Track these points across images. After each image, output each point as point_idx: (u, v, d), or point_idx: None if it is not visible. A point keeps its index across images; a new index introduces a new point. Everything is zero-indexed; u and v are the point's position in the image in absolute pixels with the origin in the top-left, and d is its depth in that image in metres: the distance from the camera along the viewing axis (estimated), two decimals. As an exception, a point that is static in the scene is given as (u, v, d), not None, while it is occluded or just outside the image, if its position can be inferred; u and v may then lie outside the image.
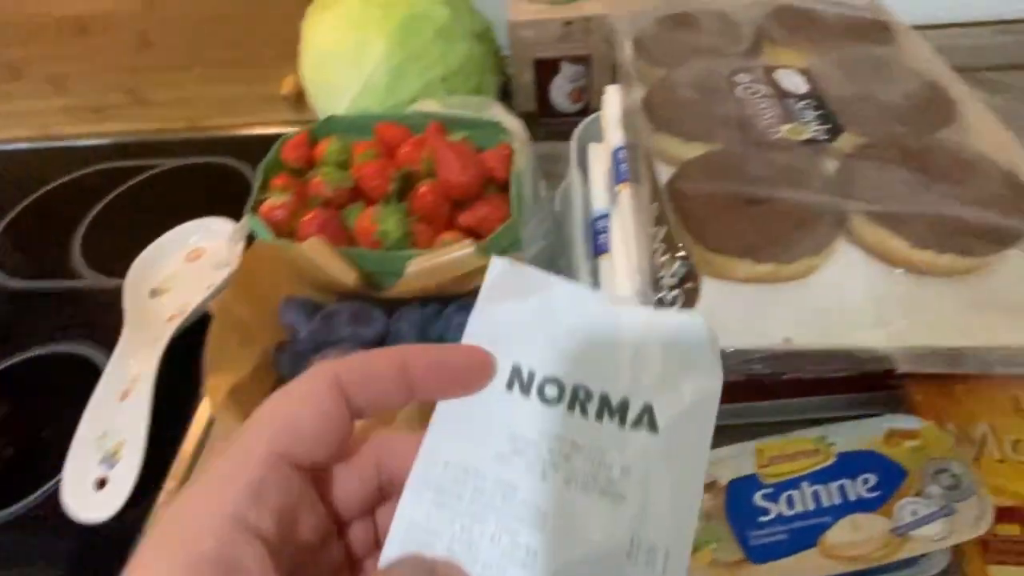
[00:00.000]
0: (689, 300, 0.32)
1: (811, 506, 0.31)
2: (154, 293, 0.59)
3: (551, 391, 0.19)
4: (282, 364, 0.42)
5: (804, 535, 0.30)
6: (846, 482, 0.31)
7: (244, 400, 0.35)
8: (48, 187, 0.72)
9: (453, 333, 0.41)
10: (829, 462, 0.32)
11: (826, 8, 0.48)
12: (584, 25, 0.60)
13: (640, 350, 0.19)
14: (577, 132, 0.58)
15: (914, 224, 0.33)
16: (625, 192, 0.43)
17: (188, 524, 0.16)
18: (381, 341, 0.42)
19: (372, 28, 0.55)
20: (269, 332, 0.42)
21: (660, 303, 0.34)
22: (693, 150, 0.40)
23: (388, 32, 0.54)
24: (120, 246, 0.60)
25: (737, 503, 0.31)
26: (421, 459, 0.18)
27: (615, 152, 0.47)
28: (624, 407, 0.18)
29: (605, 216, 0.49)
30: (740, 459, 0.33)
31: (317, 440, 0.17)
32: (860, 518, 0.30)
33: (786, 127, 0.39)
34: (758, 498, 0.32)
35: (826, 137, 0.38)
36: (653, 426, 0.18)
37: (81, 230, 0.67)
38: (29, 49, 0.73)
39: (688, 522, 0.17)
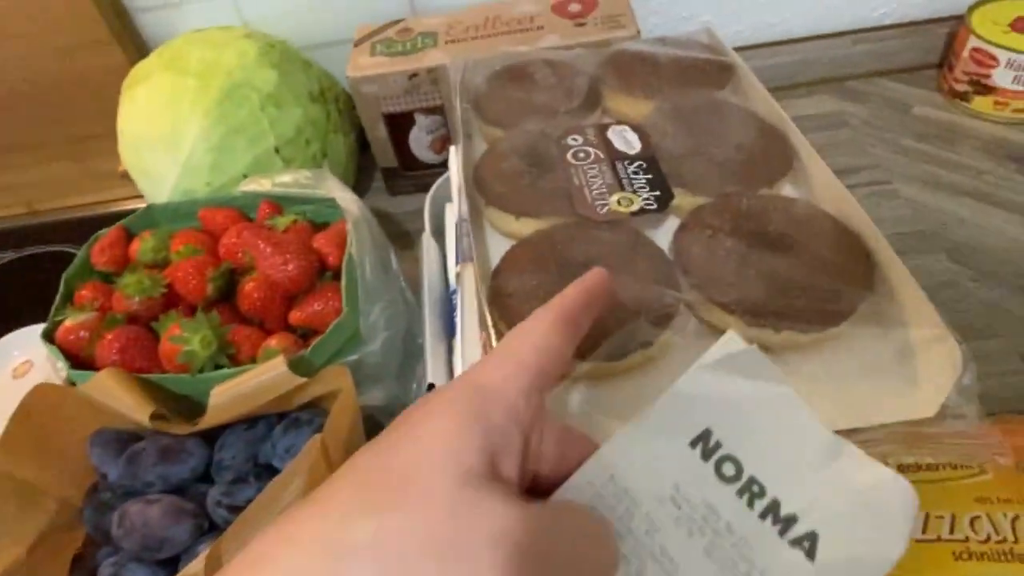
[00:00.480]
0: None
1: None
2: (-29, 422, 0.52)
3: (729, 469, 0.19)
4: (86, 518, 0.36)
5: None
6: None
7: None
8: None
9: (279, 459, 0.36)
10: None
11: (663, 51, 0.45)
12: (430, 76, 0.57)
13: (832, 480, 0.19)
14: (431, 192, 0.54)
15: (746, 302, 0.31)
16: (467, 272, 0.40)
17: (487, 394, 0.19)
18: (200, 478, 0.37)
19: (186, 104, 0.49)
20: (70, 480, 0.37)
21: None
22: (525, 226, 0.37)
23: (205, 107, 0.49)
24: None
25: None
26: (591, 462, 0.20)
27: (458, 225, 0.43)
28: (790, 521, 0.19)
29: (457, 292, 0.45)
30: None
31: (556, 365, 0.21)
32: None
33: (615, 197, 0.36)
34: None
35: (655, 207, 0.35)
36: (811, 554, 0.18)
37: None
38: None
39: None
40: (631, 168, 0.37)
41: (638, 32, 0.55)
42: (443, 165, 0.64)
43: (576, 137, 0.40)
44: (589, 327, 0.23)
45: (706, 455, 0.20)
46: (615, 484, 0.19)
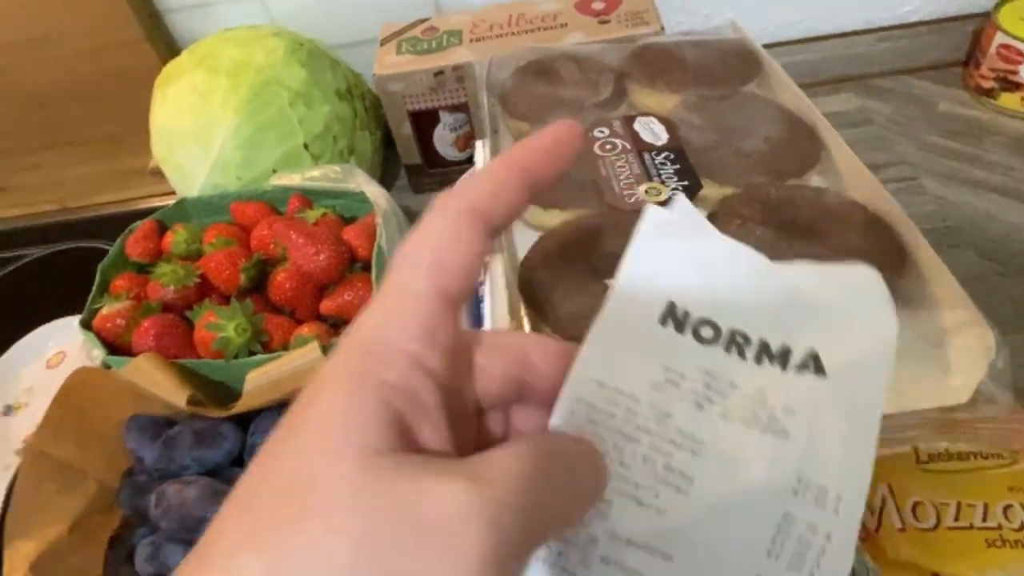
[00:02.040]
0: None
1: None
2: (8, 410, 0.53)
3: (706, 332, 0.18)
4: (123, 499, 0.37)
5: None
6: None
7: (57, 569, 0.30)
8: None
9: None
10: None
11: (689, 46, 0.46)
12: (456, 73, 0.57)
13: (802, 299, 0.19)
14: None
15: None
16: (494, 264, 0.40)
17: (374, 352, 0.15)
18: (234, 461, 0.38)
19: (218, 101, 0.50)
20: (107, 463, 0.37)
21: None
22: (553, 218, 0.37)
23: (236, 104, 0.50)
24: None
25: None
26: (573, 378, 0.18)
27: (483, 217, 0.44)
28: (785, 353, 0.18)
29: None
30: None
31: (467, 274, 0.16)
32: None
33: (643, 187, 0.36)
34: None
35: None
36: (820, 371, 0.18)
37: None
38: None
39: (864, 469, 0.17)
40: (658, 159, 0.38)
41: (662, 29, 0.55)
42: (467, 162, 0.64)
43: (603, 129, 0.40)
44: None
45: (680, 327, 0.19)
46: (606, 389, 0.18)
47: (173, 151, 0.52)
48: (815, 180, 0.38)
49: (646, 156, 0.38)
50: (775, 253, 0.32)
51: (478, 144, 0.49)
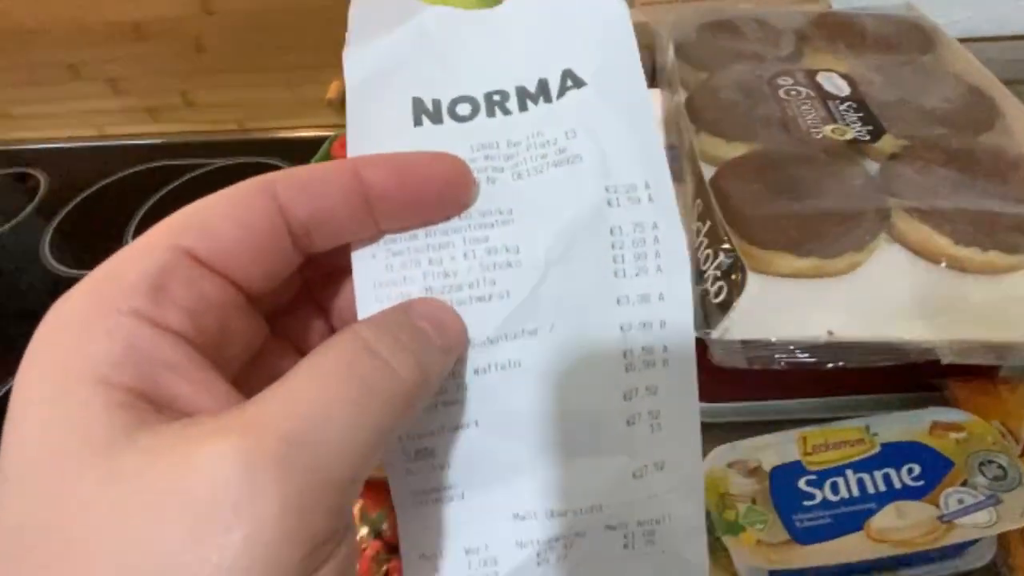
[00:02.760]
0: (734, 290, 0.33)
1: (856, 493, 0.31)
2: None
3: (464, 109, 0.18)
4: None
5: (849, 519, 0.30)
6: (890, 471, 0.32)
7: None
8: (102, 183, 0.76)
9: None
10: (873, 451, 0.33)
11: (868, 17, 0.49)
12: (624, 33, 0.62)
13: (533, 30, 0.18)
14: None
15: (957, 221, 0.34)
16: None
17: (76, 334, 0.12)
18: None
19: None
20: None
21: (704, 294, 0.35)
22: (734, 150, 0.41)
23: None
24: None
25: (781, 488, 0.32)
26: (357, 242, 0.16)
27: (657, 153, 0.48)
28: (543, 86, 0.18)
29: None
30: (783, 446, 0.34)
31: (238, 246, 0.14)
32: (905, 505, 0.30)
33: (828, 127, 0.40)
34: (802, 484, 0.32)
35: (868, 138, 0.39)
36: (579, 83, 0.17)
37: (133, 225, 0.69)
38: (88, 52, 0.77)
39: (652, 149, 0.17)
40: (842, 107, 0.41)
41: (829, 6, 0.58)
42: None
43: (786, 78, 0.44)
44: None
45: (435, 118, 0.17)
46: (394, 245, 0.16)
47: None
48: (993, 141, 0.40)
49: (829, 103, 0.42)
50: (958, 193, 0.35)
51: (649, 92, 0.53)
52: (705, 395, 0.46)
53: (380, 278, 0.16)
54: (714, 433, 0.36)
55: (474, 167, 0.17)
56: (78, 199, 0.74)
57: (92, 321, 0.12)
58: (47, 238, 0.69)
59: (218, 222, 0.14)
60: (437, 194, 0.16)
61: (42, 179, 0.78)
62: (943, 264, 0.35)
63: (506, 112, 0.18)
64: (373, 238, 0.16)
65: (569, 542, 0.17)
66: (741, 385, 0.42)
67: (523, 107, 0.18)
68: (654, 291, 0.17)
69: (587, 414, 0.17)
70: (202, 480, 0.11)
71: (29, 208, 0.74)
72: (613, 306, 0.16)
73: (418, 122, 0.17)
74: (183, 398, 0.12)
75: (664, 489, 0.17)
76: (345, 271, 0.16)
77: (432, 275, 0.16)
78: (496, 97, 0.18)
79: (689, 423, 0.17)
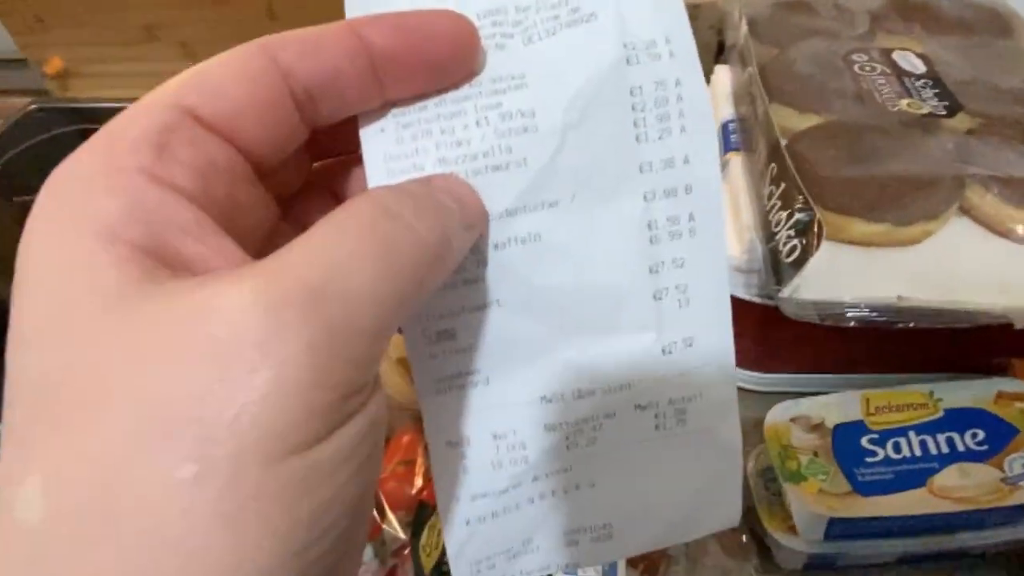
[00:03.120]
0: (809, 246, 0.33)
1: (918, 453, 0.32)
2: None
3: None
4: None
5: (912, 476, 0.31)
6: (954, 435, 0.32)
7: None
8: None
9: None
10: (936, 415, 0.33)
11: (945, 1, 0.49)
12: (691, 12, 0.62)
13: None
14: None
15: (1036, 195, 0.34)
16: (735, 159, 0.45)
17: (81, 191, 0.12)
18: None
19: None
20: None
21: (775, 253, 0.35)
22: (806, 121, 0.42)
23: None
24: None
25: (843, 444, 0.33)
26: (364, 116, 0.15)
27: (723, 125, 0.49)
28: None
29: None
30: (846, 406, 0.34)
31: (242, 107, 0.13)
32: (969, 466, 0.31)
33: (904, 102, 0.40)
34: (864, 441, 0.33)
35: (944, 113, 0.39)
36: None
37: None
38: (165, 14, 0.80)
39: (674, 5, 0.16)
40: (917, 83, 0.41)
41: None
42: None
43: (861, 55, 0.44)
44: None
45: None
46: (404, 117, 0.15)
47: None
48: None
49: (905, 80, 0.42)
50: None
51: (718, 69, 0.54)
52: (769, 365, 0.47)
53: (391, 151, 0.15)
54: (776, 400, 0.37)
55: (482, 34, 0.16)
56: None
57: (96, 179, 0.12)
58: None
59: (220, 82, 0.13)
60: (444, 53, 0.15)
61: (113, 135, 0.81)
62: (1017, 236, 0.35)
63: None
64: (380, 111, 0.15)
65: (598, 424, 0.17)
66: (805, 357, 0.43)
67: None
68: (678, 154, 0.16)
69: (612, 289, 0.16)
70: (223, 322, 0.10)
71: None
72: (636, 174, 0.16)
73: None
74: (196, 260, 0.12)
75: (695, 365, 0.17)
76: (357, 159, 0.16)
77: (445, 145, 0.15)
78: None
79: (718, 296, 0.17)
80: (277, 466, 0.10)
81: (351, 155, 0.17)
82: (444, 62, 0.15)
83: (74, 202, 0.12)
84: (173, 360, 0.10)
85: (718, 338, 0.17)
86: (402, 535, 0.32)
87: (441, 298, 0.16)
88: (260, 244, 0.15)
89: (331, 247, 0.12)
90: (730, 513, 0.19)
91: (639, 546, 0.19)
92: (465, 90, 0.15)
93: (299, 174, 0.17)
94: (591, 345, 0.16)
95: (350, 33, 0.14)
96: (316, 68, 0.14)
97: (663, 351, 0.17)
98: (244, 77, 0.13)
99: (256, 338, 0.10)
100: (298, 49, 0.14)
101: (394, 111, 0.15)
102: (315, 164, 0.18)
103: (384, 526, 0.32)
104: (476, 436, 0.17)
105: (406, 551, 0.32)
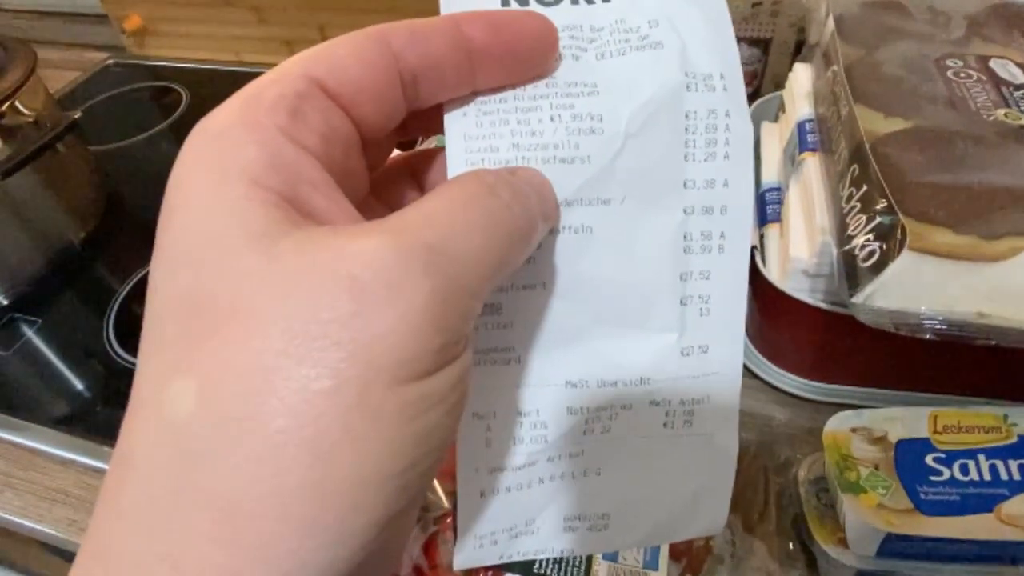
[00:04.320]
0: (889, 253, 0.32)
1: (988, 477, 0.30)
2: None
3: None
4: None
5: (979, 500, 0.29)
6: (1028, 463, 0.31)
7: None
8: (237, 105, 0.80)
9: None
10: (1010, 441, 0.32)
11: (1049, 9, 0.46)
12: (772, 8, 0.61)
13: None
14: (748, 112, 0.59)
15: None
16: (811, 160, 0.44)
17: (227, 142, 0.13)
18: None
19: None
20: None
21: (850, 257, 0.34)
22: (893, 125, 0.40)
23: None
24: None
25: (906, 460, 0.31)
26: (450, 102, 0.17)
27: (799, 124, 0.47)
28: None
29: (776, 188, 0.49)
30: (912, 422, 0.33)
31: (361, 84, 0.15)
32: (1042, 496, 0.29)
33: (1001, 111, 0.38)
34: (929, 459, 0.31)
35: (1046, 125, 0.37)
36: None
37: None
38: (243, -21, 0.81)
39: (730, 48, 0.17)
40: (1016, 93, 0.39)
41: (1000, 2, 0.55)
42: (748, 97, 0.67)
43: (956, 60, 0.42)
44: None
45: (523, 0, 0.18)
46: (484, 91, 0.17)
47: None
48: None
49: (1003, 89, 0.40)
50: None
51: (798, 67, 0.52)
52: (826, 374, 0.46)
53: (470, 132, 0.17)
54: (831, 411, 0.36)
55: (560, 44, 0.17)
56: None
57: (240, 132, 0.13)
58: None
59: (343, 59, 0.15)
60: (529, 49, 0.16)
61: (184, 95, 0.84)
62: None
63: (590, 1, 0.18)
64: (466, 100, 0.17)
65: (615, 413, 0.18)
66: (867, 369, 0.41)
67: None
68: (720, 177, 0.17)
69: (645, 288, 0.17)
70: (360, 262, 0.12)
71: (164, 124, 0.79)
72: (680, 188, 0.17)
73: (505, 3, 0.18)
74: (321, 212, 0.13)
75: (707, 371, 0.18)
76: (436, 150, 0.18)
77: (520, 133, 0.16)
78: None
79: (735, 311, 0.18)
80: (397, 388, 0.12)
81: (432, 148, 0.19)
82: (530, 56, 0.17)
83: (221, 150, 0.13)
84: (317, 291, 0.12)
85: (730, 350, 0.18)
86: (445, 503, 0.32)
87: None
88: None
89: (446, 214, 0.13)
90: (716, 520, 0.20)
91: (628, 542, 0.20)
92: (543, 89, 0.17)
93: (387, 153, 0.19)
94: (620, 338, 0.18)
95: (453, 26, 0.15)
96: (423, 54, 0.15)
97: (682, 353, 0.18)
98: (363, 57, 0.15)
99: (389, 279, 0.12)
100: (409, 37, 0.15)
101: (477, 99, 0.17)
102: (397, 152, 0.20)
103: (428, 493, 0.32)
104: (503, 410, 0.18)
105: (448, 520, 0.32)
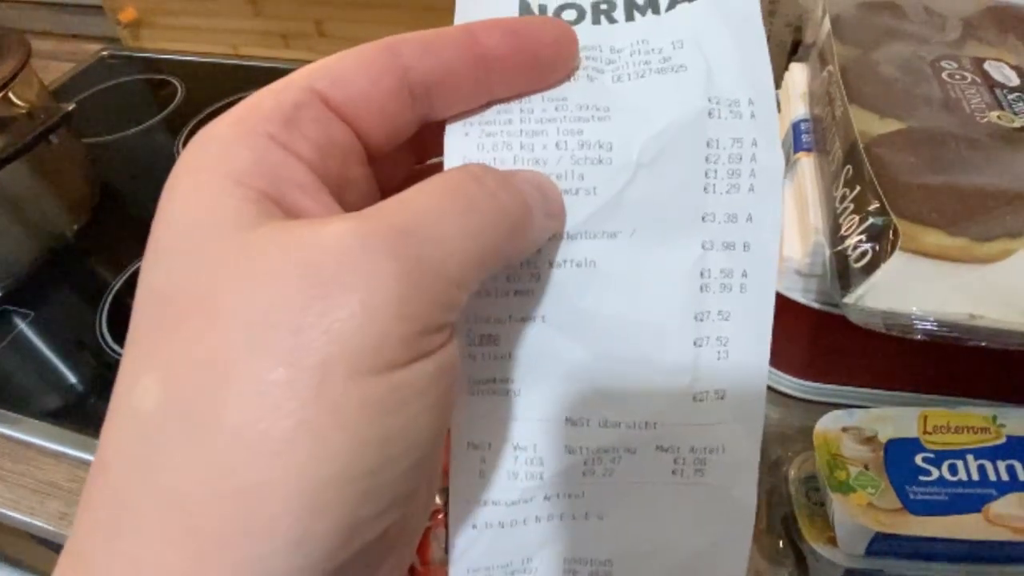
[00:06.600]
0: (881, 254, 0.32)
1: (976, 477, 0.31)
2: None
3: (569, 14, 0.17)
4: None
5: (967, 500, 0.30)
6: (1015, 463, 0.31)
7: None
8: (232, 99, 0.80)
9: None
10: (998, 441, 0.32)
11: (1044, 12, 0.46)
12: (769, 7, 0.61)
13: None
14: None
15: None
16: (805, 160, 0.44)
17: (218, 146, 0.14)
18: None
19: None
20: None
21: (842, 257, 0.34)
22: (888, 126, 0.40)
23: None
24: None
25: (896, 460, 0.32)
26: (452, 119, 0.16)
27: (795, 124, 0.47)
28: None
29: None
30: (902, 422, 0.33)
31: (365, 98, 0.15)
32: (1030, 497, 0.29)
33: (994, 113, 0.38)
34: (918, 459, 0.32)
35: (1039, 128, 0.37)
36: None
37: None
38: (237, -29, 0.81)
39: (761, 70, 0.16)
40: (1011, 96, 0.39)
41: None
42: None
43: (950, 62, 0.42)
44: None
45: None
46: (493, 104, 0.16)
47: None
48: None
49: (997, 91, 0.40)
50: None
51: (794, 67, 0.52)
52: (818, 374, 0.46)
53: (470, 155, 0.16)
54: (822, 411, 0.36)
55: (574, 68, 0.17)
56: (205, 112, 0.78)
57: (232, 140, 0.14)
58: (179, 145, 0.73)
59: (349, 74, 0.15)
60: (548, 56, 0.16)
61: (179, 88, 0.83)
62: (1105, 264, 0.33)
63: (612, 20, 0.17)
64: (469, 118, 0.16)
65: (618, 456, 0.17)
66: (858, 370, 0.41)
67: (630, 17, 0.17)
68: (743, 211, 0.16)
69: (655, 328, 0.16)
70: (322, 249, 0.12)
71: (159, 117, 0.79)
72: (698, 222, 0.16)
73: (524, 11, 0.18)
74: (307, 213, 0.14)
75: (723, 419, 0.17)
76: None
77: (523, 160, 0.16)
78: (603, 6, 0.18)
79: (758, 357, 0.16)
80: (360, 380, 0.11)
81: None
82: (550, 62, 0.16)
83: (212, 153, 0.13)
84: (276, 279, 0.12)
85: (751, 399, 0.17)
86: (437, 499, 0.32)
87: (491, 303, 0.16)
88: None
89: (420, 200, 0.13)
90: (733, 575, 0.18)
91: None
92: (552, 112, 0.16)
93: (403, 168, 0.19)
94: (626, 377, 0.17)
95: (466, 35, 0.15)
96: (434, 65, 0.15)
97: (694, 398, 0.17)
98: (369, 69, 0.15)
99: (350, 263, 0.11)
100: (419, 49, 0.15)
101: (481, 120, 0.16)
102: (416, 167, 0.19)
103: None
104: (498, 443, 0.17)
105: (439, 516, 0.32)
